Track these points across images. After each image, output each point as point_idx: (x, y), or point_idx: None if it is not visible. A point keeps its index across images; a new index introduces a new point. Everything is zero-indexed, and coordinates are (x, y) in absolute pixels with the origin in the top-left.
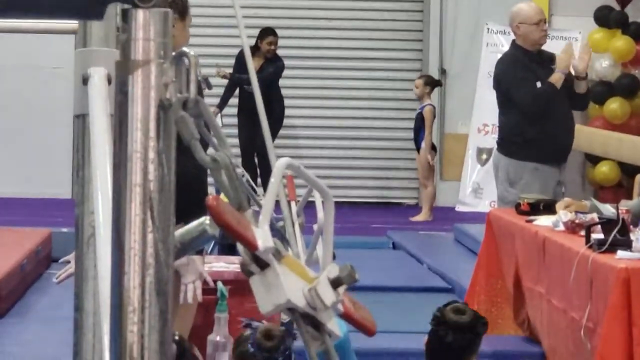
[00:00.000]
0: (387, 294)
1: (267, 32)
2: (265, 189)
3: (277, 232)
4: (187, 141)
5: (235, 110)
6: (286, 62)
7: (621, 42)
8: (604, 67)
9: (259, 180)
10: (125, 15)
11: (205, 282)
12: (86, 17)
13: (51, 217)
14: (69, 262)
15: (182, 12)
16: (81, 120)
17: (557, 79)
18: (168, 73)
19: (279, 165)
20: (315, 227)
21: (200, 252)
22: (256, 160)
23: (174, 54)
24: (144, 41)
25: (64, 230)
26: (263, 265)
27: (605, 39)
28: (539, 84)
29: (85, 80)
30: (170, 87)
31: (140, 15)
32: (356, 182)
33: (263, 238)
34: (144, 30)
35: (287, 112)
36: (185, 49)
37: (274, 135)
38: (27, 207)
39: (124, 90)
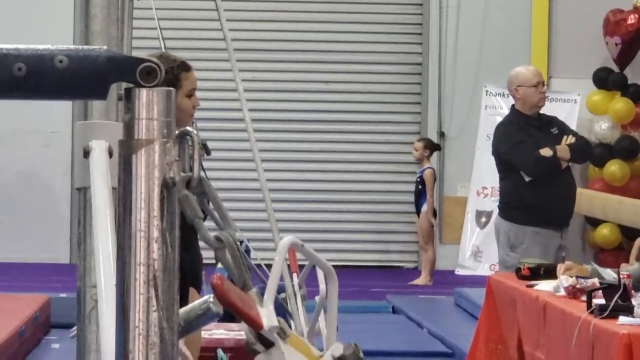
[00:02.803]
0: (387, 359)
1: None
2: None
3: (280, 305)
4: (191, 220)
5: None
6: (286, 127)
7: (620, 104)
8: (603, 129)
9: None
10: (128, 95)
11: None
12: (90, 97)
13: (49, 282)
14: None
15: (171, 83)
16: (82, 193)
17: (562, 149)
18: (171, 152)
19: (282, 244)
20: (317, 299)
21: None
22: None
23: (177, 132)
24: (147, 120)
25: (62, 295)
26: (268, 344)
27: (604, 101)
28: (544, 151)
29: (86, 154)
30: (173, 166)
31: (143, 94)
32: (355, 245)
33: (268, 317)
34: (147, 109)
35: (287, 175)
36: (188, 128)
37: None
38: (25, 272)
39: (128, 169)
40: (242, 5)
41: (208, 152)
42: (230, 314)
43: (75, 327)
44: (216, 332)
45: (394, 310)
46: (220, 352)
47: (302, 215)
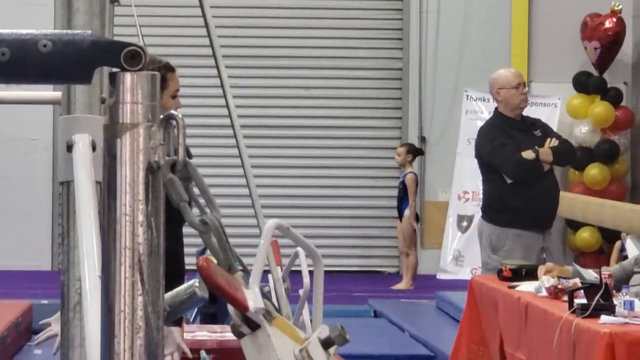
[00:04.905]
0: None
1: None
2: None
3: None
4: (176, 204)
5: None
6: (266, 132)
7: (600, 107)
8: (583, 132)
9: None
10: (113, 79)
11: (183, 354)
12: (74, 81)
13: (31, 289)
14: (49, 324)
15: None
16: (66, 187)
17: (545, 152)
18: (156, 136)
19: (268, 227)
20: (301, 292)
21: (179, 323)
22: None
23: (161, 116)
24: (132, 104)
25: (45, 302)
26: (254, 326)
27: (584, 105)
28: (526, 154)
29: (69, 147)
30: (158, 149)
31: (128, 78)
32: (337, 250)
33: (254, 299)
34: (132, 93)
35: (269, 180)
36: (173, 111)
37: None
38: (7, 279)
39: (112, 153)
40: (221, 12)
41: (190, 156)
42: (213, 316)
43: (41, 333)
44: (199, 333)
45: (376, 314)
46: (203, 354)
47: (282, 221)
